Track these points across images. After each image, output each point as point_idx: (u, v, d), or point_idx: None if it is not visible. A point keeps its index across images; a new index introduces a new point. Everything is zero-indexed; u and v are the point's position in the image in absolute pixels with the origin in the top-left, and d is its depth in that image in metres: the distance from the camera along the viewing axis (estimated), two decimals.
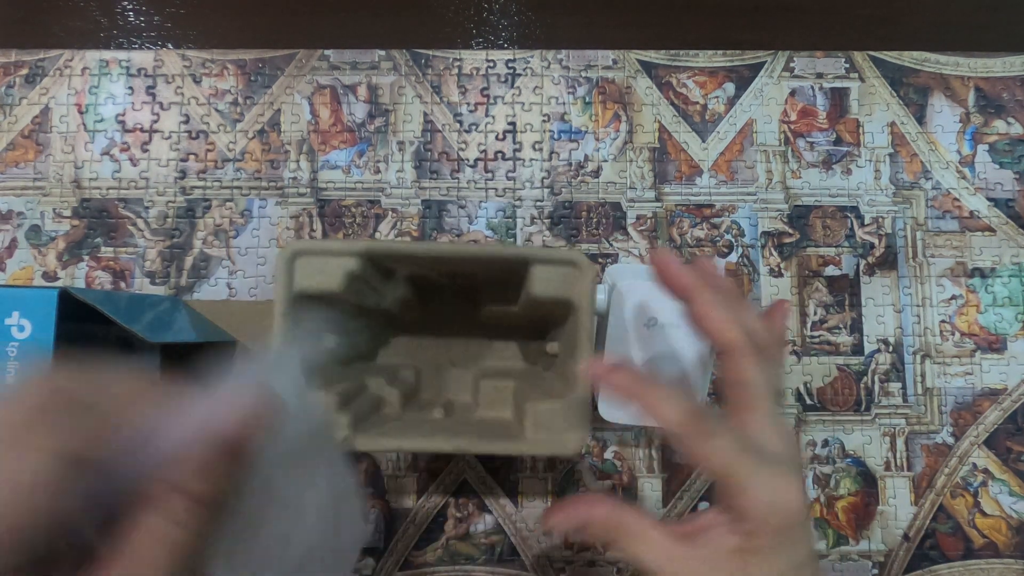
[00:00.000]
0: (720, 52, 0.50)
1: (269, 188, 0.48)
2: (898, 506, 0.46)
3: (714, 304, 0.29)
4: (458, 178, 0.49)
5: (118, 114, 0.49)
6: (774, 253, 0.49)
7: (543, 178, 0.49)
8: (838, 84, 0.50)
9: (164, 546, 0.19)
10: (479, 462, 0.46)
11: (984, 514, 0.47)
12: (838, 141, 0.50)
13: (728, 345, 0.28)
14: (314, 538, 0.23)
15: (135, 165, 0.48)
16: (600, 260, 0.48)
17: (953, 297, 0.48)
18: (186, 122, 0.49)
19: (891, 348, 0.48)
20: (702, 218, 0.49)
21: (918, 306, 0.48)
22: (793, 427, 0.31)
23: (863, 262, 0.49)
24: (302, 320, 0.33)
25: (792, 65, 0.50)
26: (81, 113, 0.49)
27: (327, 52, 0.50)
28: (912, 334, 0.48)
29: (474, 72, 0.50)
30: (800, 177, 0.49)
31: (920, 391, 0.47)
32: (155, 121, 0.49)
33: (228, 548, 0.21)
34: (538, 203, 0.49)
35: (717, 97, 0.50)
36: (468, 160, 0.49)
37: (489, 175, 0.49)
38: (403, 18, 0.51)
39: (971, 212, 0.49)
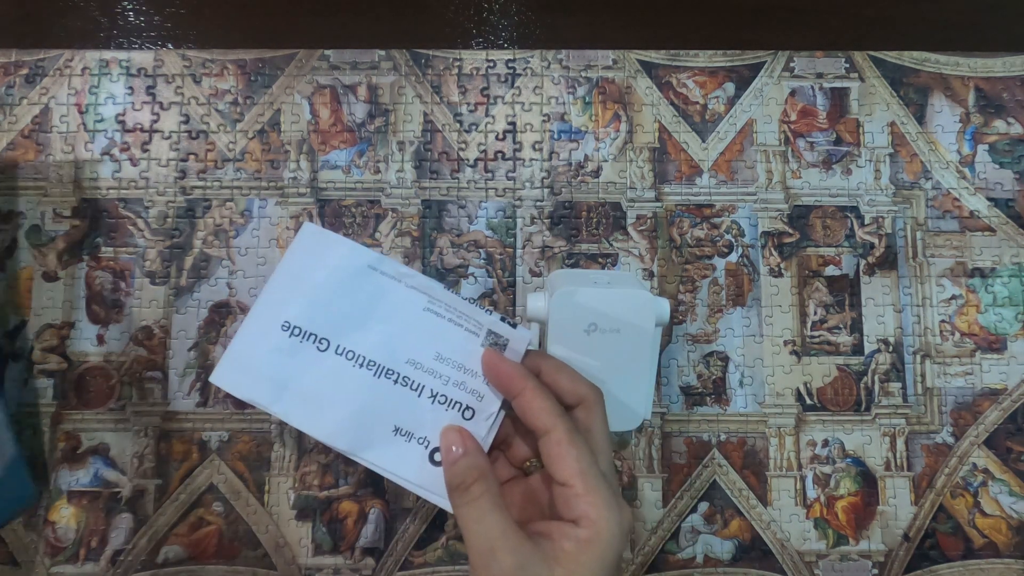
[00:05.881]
0: (720, 52, 0.50)
1: (269, 188, 0.48)
2: (898, 506, 0.46)
3: (535, 395, 0.32)
4: (458, 178, 0.49)
5: (118, 114, 0.49)
6: (774, 253, 0.49)
7: (543, 178, 0.49)
8: (838, 84, 0.50)
9: None
10: None
11: (984, 514, 0.47)
12: (838, 141, 0.50)
13: (544, 432, 0.31)
14: None
15: (135, 165, 0.48)
16: (600, 260, 0.48)
17: (953, 297, 0.48)
18: (186, 122, 0.49)
19: (891, 348, 0.48)
20: (702, 218, 0.49)
21: (918, 306, 0.48)
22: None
23: (863, 262, 0.49)
24: None
25: (792, 65, 0.50)
26: (81, 113, 0.49)
27: (327, 52, 0.50)
28: (912, 334, 0.48)
29: (474, 72, 0.50)
30: (800, 177, 0.49)
31: (920, 391, 0.47)
32: (155, 121, 0.49)
33: None
34: (538, 203, 0.49)
35: (717, 97, 0.50)
36: (468, 160, 0.49)
37: (489, 175, 0.49)
38: (403, 18, 0.51)
39: (971, 212, 0.49)
